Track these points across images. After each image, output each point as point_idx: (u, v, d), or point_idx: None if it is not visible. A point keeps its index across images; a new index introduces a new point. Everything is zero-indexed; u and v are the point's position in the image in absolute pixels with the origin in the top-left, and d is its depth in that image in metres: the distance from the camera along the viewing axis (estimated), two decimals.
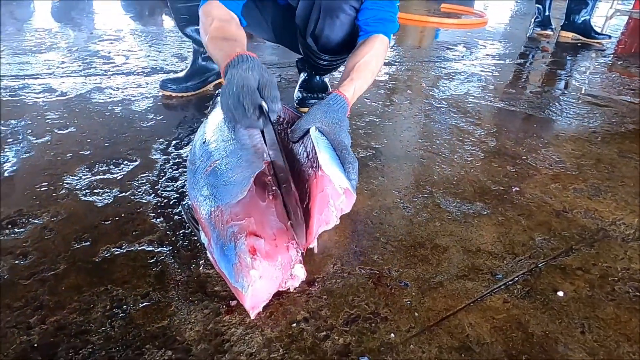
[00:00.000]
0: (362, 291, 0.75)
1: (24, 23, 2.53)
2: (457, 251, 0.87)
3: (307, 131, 0.96)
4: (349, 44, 1.26)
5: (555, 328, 0.71)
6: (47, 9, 3.01)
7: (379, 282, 0.78)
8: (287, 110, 1.16)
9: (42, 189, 0.97)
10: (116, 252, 0.80)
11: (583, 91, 2.07)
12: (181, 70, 1.68)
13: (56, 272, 0.75)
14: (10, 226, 0.85)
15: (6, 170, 1.03)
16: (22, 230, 0.84)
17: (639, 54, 3.12)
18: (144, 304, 0.70)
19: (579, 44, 3.19)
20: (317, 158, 0.86)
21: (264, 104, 0.84)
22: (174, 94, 1.56)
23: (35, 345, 0.62)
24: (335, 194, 0.86)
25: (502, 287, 0.79)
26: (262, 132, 0.90)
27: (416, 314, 0.71)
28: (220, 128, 0.99)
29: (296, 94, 1.56)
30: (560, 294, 0.78)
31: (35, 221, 0.87)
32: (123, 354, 0.61)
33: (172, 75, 1.64)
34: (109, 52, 2.03)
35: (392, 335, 0.67)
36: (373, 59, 1.13)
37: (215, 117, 1.07)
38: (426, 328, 0.69)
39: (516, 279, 0.81)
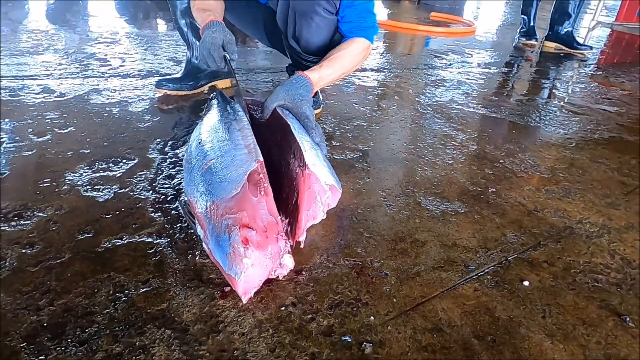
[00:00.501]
0: (346, 280, 0.82)
1: (19, 24, 2.57)
2: (434, 245, 0.95)
3: (274, 109, 1.08)
4: (331, 46, 1.34)
5: (519, 313, 0.78)
6: (42, 10, 3.04)
7: (361, 272, 0.84)
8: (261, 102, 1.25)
9: (45, 185, 1.03)
10: (117, 243, 0.86)
11: (564, 100, 2.16)
12: (176, 73, 1.74)
13: (62, 260, 0.80)
14: (16, 218, 0.90)
15: (9, 166, 1.08)
16: (27, 222, 0.90)
17: (619, 64, 3.25)
18: (144, 289, 0.75)
19: (562, 54, 3.30)
20: (303, 157, 0.93)
21: (226, 55, 1.17)
22: (169, 92, 1.63)
23: (45, 324, 0.68)
24: (321, 190, 0.93)
25: (474, 277, 0.86)
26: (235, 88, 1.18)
27: (394, 300, 0.78)
28: (215, 129, 1.06)
29: None
30: (526, 283, 0.85)
31: (40, 214, 0.92)
32: (126, 333, 0.67)
33: (167, 77, 1.70)
34: (106, 55, 2.09)
35: (372, 318, 0.74)
36: (347, 55, 1.25)
37: (210, 120, 1.13)
38: (403, 312, 0.76)
39: (487, 270, 0.88)
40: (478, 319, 0.76)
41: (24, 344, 0.64)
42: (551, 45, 3.45)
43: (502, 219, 1.07)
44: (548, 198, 1.19)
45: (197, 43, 1.63)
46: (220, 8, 1.32)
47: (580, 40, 3.46)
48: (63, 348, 0.64)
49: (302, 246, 0.88)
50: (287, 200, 0.91)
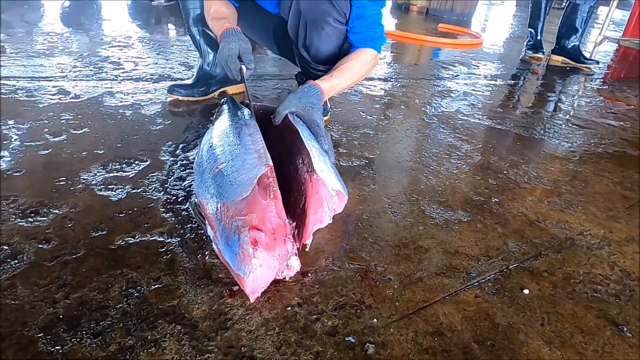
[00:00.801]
0: (350, 283, 0.85)
1: (34, 26, 2.63)
2: (437, 252, 0.97)
3: (285, 116, 1.12)
4: (340, 55, 1.37)
5: (518, 320, 0.80)
6: (57, 13, 3.11)
7: (365, 276, 0.87)
8: (270, 106, 1.28)
9: (60, 183, 1.06)
10: (130, 241, 0.89)
11: (569, 113, 2.19)
12: (188, 78, 1.78)
13: (77, 256, 0.83)
14: (33, 215, 0.94)
15: (27, 164, 1.12)
16: (44, 218, 0.93)
17: (626, 80, 3.27)
18: (156, 286, 0.78)
19: (568, 68, 3.33)
20: (312, 163, 0.96)
21: (243, 67, 1.20)
22: (181, 98, 1.67)
23: (61, 316, 0.70)
24: (328, 195, 0.96)
25: (475, 284, 0.88)
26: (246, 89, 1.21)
27: (397, 303, 0.81)
28: (226, 134, 1.09)
29: None
30: (526, 291, 0.87)
31: (56, 211, 0.96)
32: (138, 327, 0.70)
33: (179, 82, 1.74)
34: (119, 58, 2.13)
35: (375, 320, 0.76)
36: (356, 64, 1.29)
37: (221, 124, 1.17)
38: (405, 316, 0.78)
39: (488, 277, 0.90)
40: (478, 324, 0.78)
41: (41, 334, 0.67)
42: (558, 59, 3.48)
43: (505, 228, 1.09)
44: (550, 209, 1.21)
45: (209, 50, 1.68)
46: (234, 15, 1.36)
47: (587, 55, 3.49)
48: (78, 339, 0.67)
49: (307, 249, 0.91)
50: (295, 204, 0.94)
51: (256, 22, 1.63)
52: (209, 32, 1.64)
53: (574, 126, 1.96)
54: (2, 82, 1.65)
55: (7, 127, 1.30)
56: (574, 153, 1.64)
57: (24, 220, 0.92)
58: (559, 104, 2.37)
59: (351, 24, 1.33)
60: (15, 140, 1.23)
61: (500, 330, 0.77)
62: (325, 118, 1.64)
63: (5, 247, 0.83)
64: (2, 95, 1.52)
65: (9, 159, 1.14)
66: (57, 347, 0.65)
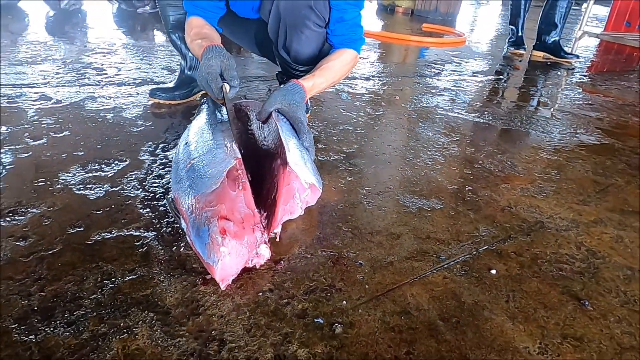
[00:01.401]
0: (322, 269, 0.87)
1: (18, 36, 2.64)
2: (408, 238, 0.99)
3: (270, 113, 1.13)
4: (319, 56, 1.40)
5: (484, 298, 0.83)
6: (42, 22, 3.12)
7: (337, 262, 0.89)
8: (259, 104, 1.30)
9: (39, 184, 1.08)
10: (106, 236, 0.91)
11: (547, 106, 2.23)
12: (170, 81, 1.81)
13: (53, 251, 0.85)
14: (11, 214, 0.95)
15: (6, 167, 1.13)
16: (22, 217, 0.95)
17: (607, 73, 3.33)
18: (130, 277, 0.80)
19: (549, 63, 3.39)
20: (286, 156, 0.98)
21: (225, 85, 1.12)
22: (162, 101, 1.69)
23: (35, 308, 0.72)
24: (301, 188, 0.98)
25: (445, 266, 0.91)
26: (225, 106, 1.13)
27: (367, 286, 0.83)
28: (201, 131, 1.12)
29: None
30: (493, 272, 0.90)
31: (34, 210, 0.97)
32: (111, 315, 0.72)
33: (161, 85, 1.76)
34: (102, 64, 2.15)
35: (344, 302, 0.79)
36: (337, 64, 1.31)
37: (199, 122, 1.19)
38: (374, 297, 0.80)
39: (457, 260, 0.93)
40: (445, 304, 0.80)
41: (15, 325, 0.68)
42: (539, 55, 3.54)
43: (476, 214, 1.12)
44: (522, 196, 1.24)
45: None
46: (216, 37, 1.31)
47: (568, 50, 3.55)
48: (52, 329, 0.68)
49: (277, 239, 0.93)
50: (267, 195, 0.96)
51: (236, 27, 1.65)
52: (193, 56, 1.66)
53: (551, 118, 2.00)
54: None
55: None
56: (549, 143, 1.68)
57: (1, 219, 0.93)
58: (539, 97, 2.42)
59: (332, 27, 1.36)
60: None
61: (466, 308, 0.80)
62: (307, 115, 1.67)
63: None
64: None
65: None
66: (30, 337, 0.67)
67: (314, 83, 1.23)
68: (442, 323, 0.76)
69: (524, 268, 0.92)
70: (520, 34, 3.61)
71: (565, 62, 3.43)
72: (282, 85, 1.19)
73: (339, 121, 1.69)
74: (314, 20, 1.33)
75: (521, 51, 3.58)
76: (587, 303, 0.83)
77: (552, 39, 3.47)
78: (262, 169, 1.05)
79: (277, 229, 0.92)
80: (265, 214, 0.92)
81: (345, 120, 1.70)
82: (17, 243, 0.87)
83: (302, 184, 0.98)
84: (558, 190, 1.29)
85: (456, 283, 0.86)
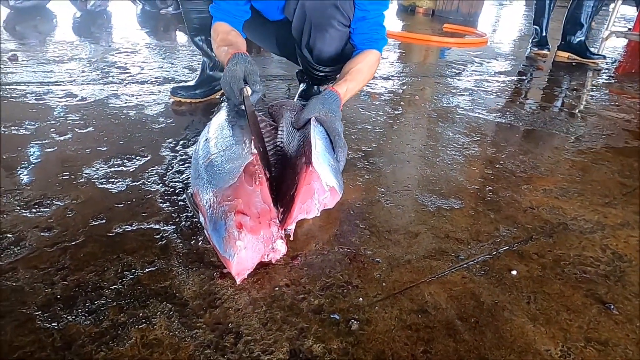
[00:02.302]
0: (339, 265, 0.87)
1: (47, 36, 2.72)
2: (427, 237, 0.98)
3: (309, 120, 1.12)
4: (342, 56, 1.40)
5: (504, 299, 0.81)
6: (69, 23, 3.21)
7: (354, 259, 0.89)
8: (298, 104, 1.32)
9: (64, 178, 1.11)
10: (127, 229, 0.93)
11: (572, 107, 2.18)
12: (191, 80, 1.83)
13: (76, 242, 0.87)
14: (36, 206, 0.98)
15: (33, 161, 1.17)
16: (47, 209, 0.97)
17: (634, 74, 3.23)
18: (149, 269, 0.81)
19: (575, 64, 3.30)
20: (311, 156, 0.98)
21: (246, 88, 1.14)
22: (183, 100, 1.71)
23: (58, 296, 0.74)
24: (321, 189, 0.97)
25: (464, 266, 0.89)
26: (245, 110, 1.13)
27: (384, 284, 0.82)
28: (221, 127, 1.13)
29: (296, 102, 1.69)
30: (514, 272, 0.88)
31: (59, 203, 1.00)
32: (131, 305, 0.73)
33: (182, 84, 1.79)
34: (126, 63, 2.20)
35: (361, 299, 0.78)
36: (365, 67, 1.31)
37: (218, 119, 1.20)
38: (391, 295, 0.80)
39: (477, 260, 0.91)
40: (463, 303, 0.79)
41: (39, 312, 0.70)
42: (564, 55, 3.46)
43: (497, 214, 1.10)
44: (545, 197, 1.21)
45: (213, 55, 1.72)
46: (242, 42, 1.34)
47: (594, 50, 3.46)
48: (74, 317, 0.70)
49: (291, 238, 0.92)
50: (287, 192, 0.96)
51: (257, 27, 1.67)
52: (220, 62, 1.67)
53: (576, 119, 1.95)
54: (13, 87, 1.71)
55: (16, 127, 1.36)
56: (573, 144, 1.64)
57: (27, 211, 0.96)
58: (563, 98, 2.36)
59: (354, 26, 1.36)
60: (24, 139, 1.29)
61: (485, 308, 0.78)
62: None
63: (9, 235, 0.88)
64: (12, 100, 1.59)
65: (19, 156, 1.19)
66: (53, 324, 0.68)
67: (347, 88, 1.23)
68: (460, 323, 0.75)
69: (546, 270, 0.90)
70: (544, 34, 3.53)
71: (592, 62, 3.34)
72: (319, 95, 1.17)
73: (357, 120, 1.68)
74: (339, 19, 1.33)
75: (545, 51, 3.51)
76: (612, 307, 0.80)
77: (578, 39, 3.39)
78: (288, 166, 1.06)
79: (291, 226, 0.92)
80: (282, 209, 0.92)
81: (364, 119, 1.70)
82: (42, 234, 0.89)
83: (322, 185, 0.97)
84: (582, 192, 1.25)
85: (475, 283, 0.84)
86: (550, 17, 3.51)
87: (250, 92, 1.15)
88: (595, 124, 1.89)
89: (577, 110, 2.11)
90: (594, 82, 2.78)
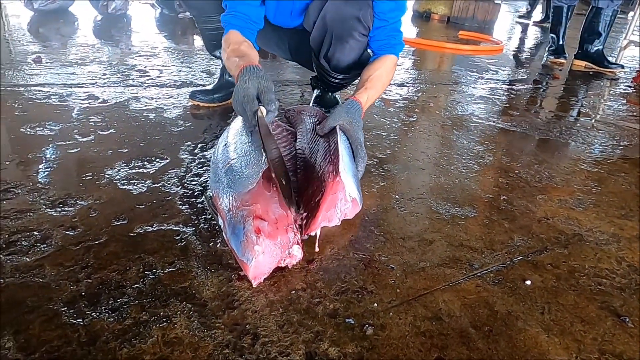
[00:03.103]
0: (354, 270, 0.88)
1: (68, 39, 2.79)
2: (441, 245, 0.99)
3: (333, 128, 1.14)
4: (359, 65, 1.42)
5: (518, 308, 0.81)
6: (90, 26, 3.29)
7: (369, 265, 0.90)
8: (317, 110, 1.35)
9: (86, 178, 1.14)
10: (148, 230, 0.95)
11: (588, 116, 2.16)
12: (209, 84, 1.87)
13: (99, 241, 0.90)
14: (61, 205, 1.01)
15: (57, 161, 1.21)
16: (71, 208, 1.00)
17: None
18: (170, 269, 0.84)
19: (592, 73, 3.28)
20: (338, 166, 0.98)
21: (261, 109, 1.04)
22: (201, 104, 1.74)
23: (83, 293, 0.76)
24: (344, 199, 0.98)
25: (477, 274, 0.90)
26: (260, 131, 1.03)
27: (398, 290, 0.83)
28: (239, 133, 1.15)
29: None
30: (528, 282, 0.88)
31: (82, 202, 1.03)
32: (152, 304, 0.75)
33: (200, 88, 1.82)
34: (145, 67, 2.25)
35: (375, 304, 0.79)
36: (384, 73, 1.33)
37: (236, 125, 1.23)
38: (405, 301, 0.81)
39: (491, 269, 0.92)
40: (477, 312, 0.80)
41: (65, 309, 0.73)
42: (580, 64, 3.43)
43: (511, 224, 1.10)
44: (560, 207, 1.21)
45: (225, 65, 1.74)
46: (254, 54, 1.25)
47: (612, 59, 3.43)
48: (98, 313, 0.72)
49: (317, 249, 0.93)
50: (311, 197, 0.98)
51: (270, 33, 1.69)
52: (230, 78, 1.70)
53: (593, 129, 1.94)
54: (38, 88, 1.77)
55: (41, 128, 1.40)
56: (589, 155, 1.63)
57: (53, 209, 0.99)
58: (579, 107, 2.35)
59: (372, 34, 1.38)
60: (48, 139, 1.33)
61: (499, 317, 0.79)
62: None
63: (35, 232, 0.91)
64: (37, 101, 1.64)
65: (43, 156, 1.23)
66: (78, 320, 0.71)
67: (367, 96, 1.24)
68: (474, 331, 0.75)
69: (560, 280, 0.90)
70: (561, 42, 3.51)
71: (609, 72, 3.30)
72: (343, 104, 1.18)
73: (372, 126, 1.69)
74: (360, 30, 1.35)
75: (562, 60, 3.48)
76: (627, 320, 0.80)
77: (595, 48, 3.36)
78: (311, 172, 1.07)
79: (314, 232, 0.93)
80: (305, 214, 0.93)
81: (378, 126, 1.71)
82: (67, 232, 0.92)
83: (346, 196, 0.98)
84: (598, 204, 1.25)
85: (489, 292, 0.85)
86: (567, 26, 3.48)
87: (265, 112, 1.04)
88: (612, 135, 1.87)
89: (593, 120, 2.09)
90: (611, 92, 2.76)
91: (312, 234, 0.94)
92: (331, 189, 0.95)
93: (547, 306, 0.83)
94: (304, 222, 0.94)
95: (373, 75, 1.30)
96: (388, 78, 1.36)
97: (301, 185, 1.06)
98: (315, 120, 1.28)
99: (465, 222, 1.09)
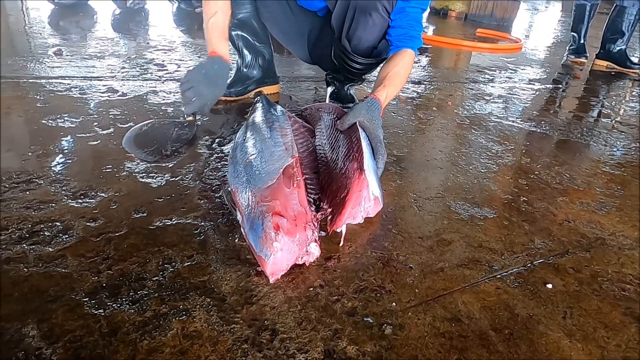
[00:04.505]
0: (372, 269, 0.87)
1: (88, 32, 2.82)
2: (460, 245, 0.98)
3: (353, 124, 1.14)
4: (377, 53, 1.41)
5: (539, 312, 0.80)
6: (109, 20, 3.32)
7: (387, 264, 0.89)
8: (335, 107, 1.35)
9: (107, 170, 1.15)
10: (167, 223, 0.96)
11: (610, 118, 2.12)
12: None
13: (119, 234, 0.91)
14: (82, 197, 1.03)
15: (78, 153, 1.22)
16: (92, 200, 1.02)
17: None
18: (189, 263, 0.84)
19: (613, 73, 3.21)
20: (363, 164, 0.98)
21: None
22: None
23: (104, 285, 0.77)
24: (367, 197, 0.97)
25: (497, 276, 0.89)
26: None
27: (416, 290, 0.83)
28: (258, 128, 1.16)
29: None
30: (550, 286, 0.87)
31: (103, 194, 1.04)
32: (172, 297, 0.76)
33: None
34: (163, 61, 2.26)
35: (394, 304, 0.79)
36: (402, 70, 1.32)
37: (255, 120, 1.23)
38: (424, 301, 0.80)
39: (511, 271, 0.91)
40: (497, 314, 0.79)
41: (87, 299, 0.74)
42: (602, 64, 3.36)
43: (532, 226, 1.08)
44: (582, 210, 1.19)
45: (247, 53, 1.75)
46: (226, 22, 1.44)
47: (635, 60, 3.35)
48: (118, 305, 0.73)
49: (341, 244, 0.93)
50: (336, 193, 0.98)
51: (287, 25, 1.68)
52: (247, 36, 1.71)
53: (614, 130, 1.90)
54: (59, 81, 1.79)
55: (62, 120, 1.42)
56: (612, 156, 1.59)
57: (74, 201, 1.00)
58: (600, 108, 2.30)
59: (393, 17, 1.37)
60: (68, 131, 1.34)
61: (520, 320, 0.78)
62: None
63: (57, 223, 0.92)
64: (58, 93, 1.66)
65: (64, 148, 1.24)
66: (100, 310, 0.72)
67: (386, 94, 1.25)
68: (494, 333, 0.74)
69: (582, 285, 0.89)
70: (582, 41, 3.44)
71: (632, 72, 3.23)
72: (362, 101, 1.19)
73: (389, 124, 1.68)
74: (384, 4, 1.34)
75: (582, 59, 3.42)
76: None
77: (618, 48, 3.29)
78: (334, 168, 1.07)
79: (339, 229, 0.92)
80: (330, 210, 0.93)
81: (395, 124, 1.70)
82: (88, 224, 0.93)
83: (369, 194, 0.98)
84: (621, 207, 1.22)
85: (509, 294, 0.84)
86: (589, 24, 3.41)
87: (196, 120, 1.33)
88: (635, 136, 1.83)
89: (614, 121, 2.05)
90: (633, 93, 2.70)
91: (338, 230, 0.93)
92: (357, 186, 0.94)
93: (569, 311, 0.81)
94: (329, 217, 0.94)
95: (391, 72, 1.30)
96: (406, 75, 1.35)
97: (324, 181, 1.06)
98: (334, 116, 1.27)
99: (485, 223, 1.08)
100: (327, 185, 1.03)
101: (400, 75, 1.31)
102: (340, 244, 0.93)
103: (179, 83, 1.33)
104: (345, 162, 1.03)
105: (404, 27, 1.36)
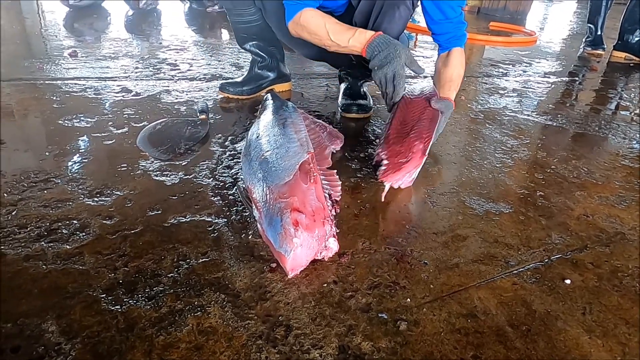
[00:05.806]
0: (386, 265, 0.87)
1: (102, 33, 2.86)
2: (475, 241, 0.97)
3: (437, 112, 1.30)
4: None
5: (557, 308, 0.79)
6: (122, 21, 3.36)
7: (401, 259, 0.89)
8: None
9: (122, 169, 1.17)
10: (182, 220, 0.97)
11: (629, 110, 2.07)
12: (239, 77, 1.88)
13: (135, 231, 0.92)
14: (98, 195, 1.04)
15: (93, 152, 1.24)
16: (108, 198, 1.03)
17: None
18: (203, 260, 0.85)
19: (632, 65, 3.13)
20: (427, 148, 1.15)
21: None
22: (230, 96, 1.76)
23: (120, 281, 0.78)
24: (414, 172, 1.14)
25: (514, 272, 0.87)
26: None
27: (431, 286, 0.82)
28: (271, 125, 1.16)
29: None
30: (568, 281, 0.85)
31: (118, 192, 1.05)
32: (187, 294, 0.76)
33: (230, 80, 1.83)
34: (175, 60, 2.28)
35: (409, 300, 0.78)
36: (462, 70, 1.43)
37: (266, 117, 1.23)
38: (439, 297, 0.79)
39: (528, 267, 0.89)
40: (514, 310, 0.78)
41: (104, 295, 0.75)
42: (620, 55, 3.28)
43: (549, 221, 1.07)
44: (600, 204, 1.16)
45: (263, 55, 1.74)
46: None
47: None
48: (135, 301, 0.74)
49: (382, 199, 1.08)
50: (397, 154, 1.16)
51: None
52: (259, 42, 1.70)
53: (633, 123, 1.86)
54: (74, 82, 1.82)
55: (78, 120, 1.44)
56: (631, 149, 1.56)
57: (90, 199, 1.02)
58: (618, 101, 2.25)
59: (436, 25, 1.42)
60: (84, 131, 1.36)
61: (537, 316, 0.77)
62: (368, 114, 1.68)
63: (75, 221, 0.94)
64: (74, 94, 1.68)
65: (80, 147, 1.26)
66: (117, 307, 0.73)
67: (455, 95, 1.41)
68: (511, 330, 0.73)
69: (602, 280, 0.87)
70: (599, 32, 3.36)
71: None
72: (448, 102, 1.35)
73: None
74: None
75: (599, 51, 3.34)
76: None
77: (637, 39, 3.21)
78: (404, 133, 1.24)
79: (387, 185, 1.08)
80: (387, 163, 1.14)
81: None
82: (104, 221, 0.94)
83: (415, 174, 1.15)
84: None
85: (526, 290, 0.82)
86: (606, 15, 3.33)
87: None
88: None
89: (633, 114, 2.00)
90: None
91: (386, 183, 1.08)
92: (414, 162, 1.11)
93: (589, 307, 0.80)
94: (382, 168, 1.13)
95: (455, 73, 1.41)
96: (463, 71, 1.45)
97: (391, 135, 1.25)
98: (426, 96, 1.40)
99: (500, 218, 1.06)
100: (393, 142, 1.21)
101: (462, 75, 1.43)
102: (382, 199, 1.08)
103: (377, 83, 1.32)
104: (416, 136, 1.19)
105: (450, 32, 1.41)
